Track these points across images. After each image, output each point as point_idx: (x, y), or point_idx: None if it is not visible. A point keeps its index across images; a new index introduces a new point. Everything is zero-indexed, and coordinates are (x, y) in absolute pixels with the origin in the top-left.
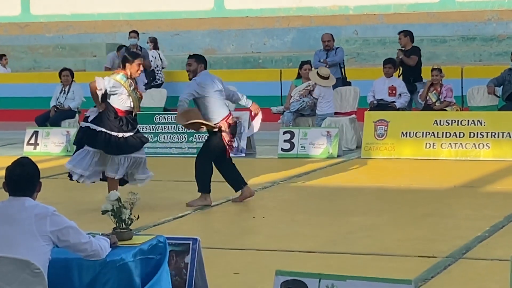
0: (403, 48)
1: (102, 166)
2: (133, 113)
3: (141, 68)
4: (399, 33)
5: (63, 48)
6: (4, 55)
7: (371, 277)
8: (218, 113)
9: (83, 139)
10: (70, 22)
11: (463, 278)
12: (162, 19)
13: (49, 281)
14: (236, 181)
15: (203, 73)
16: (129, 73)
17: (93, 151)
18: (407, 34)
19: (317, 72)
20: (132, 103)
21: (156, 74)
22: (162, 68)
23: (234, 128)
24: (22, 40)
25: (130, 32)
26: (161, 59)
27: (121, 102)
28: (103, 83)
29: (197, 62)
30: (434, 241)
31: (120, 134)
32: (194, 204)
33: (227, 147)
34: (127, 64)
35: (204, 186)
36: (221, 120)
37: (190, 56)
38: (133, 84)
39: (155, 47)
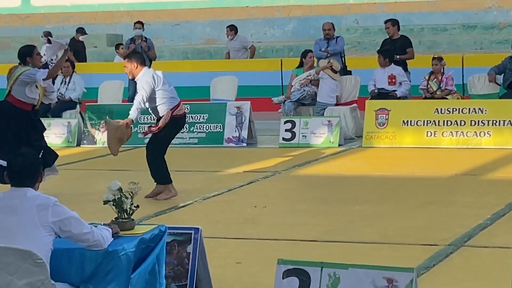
0: (391, 37)
1: None
2: (36, 106)
3: (41, 56)
4: (386, 21)
5: None
6: (121, 44)
7: (373, 265)
8: (163, 106)
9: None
10: (71, 13)
11: (465, 266)
12: (162, 9)
13: (51, 271)
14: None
15: (144, 71)
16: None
17: None
18: (395, 23)
19: (331, 63)
20: (38, 96)
21: (49, 67)
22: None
23: (178, 120)
24: (22, 31)
25: (135, 23)
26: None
27: (31, 94)
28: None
29: (130, 62)
30: (436, 229)
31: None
32: (161, 198)
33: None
34: (28, 58)
35: (166, 178)
36: (166, 112)
37: (124, 57)
38: None
39: (50, 42)
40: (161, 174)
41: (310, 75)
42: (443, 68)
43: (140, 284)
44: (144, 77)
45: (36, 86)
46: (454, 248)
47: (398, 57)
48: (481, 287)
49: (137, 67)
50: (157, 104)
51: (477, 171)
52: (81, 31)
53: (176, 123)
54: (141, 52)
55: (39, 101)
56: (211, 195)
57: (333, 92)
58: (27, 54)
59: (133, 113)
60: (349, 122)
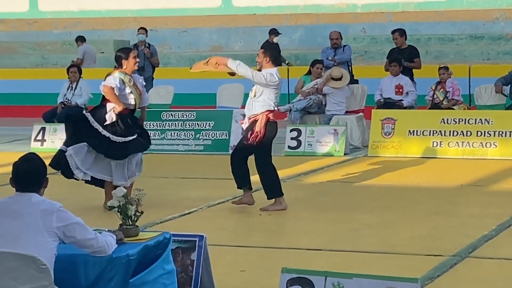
0: (399, 47)
1: (101, 171)
2: (134, 111)
3: (137, 60)
4: (394, 32)
5: (70, 45)
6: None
7: (377, 275)
8: (262, 104)
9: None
10: (78, 19)
11: (470, 277)
12: (169, 16)
13: (55, 277)
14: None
15: (271, 70)
16: (125, 69)
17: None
18: (403, 33)
19: (330, 74)
20: (133, 101)
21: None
22: None
23: (273, 124)
24: (30, 36)
25: (138, 29)
26: None
27: (123, 99)
28: (114, 81)
29: (264, 54)
30: (441, 240)
31: (121, 139)
32: (269, 208)
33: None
34: (123, 61)
35: (278, 192)
36: (261, 113)
37: (261, 47)
38: (132, 80)
39: None
40: (274, 188)
41: (317, 83)
42: (450, 76)
43: None
44: (270, 71)
45: (131, 92)
46: (459, 259)
47: (406, 63)
48: None
49: (268, 62)
50: (259, 100)
51: (483, 182)
52: (274, 32)
53: (272, 127)
54: (144, 57)
55: (137, 104)
56: (216, 202)
57: (341, 103)
58: (122, 57)
59: (239, 64)
60: (355, 131)
